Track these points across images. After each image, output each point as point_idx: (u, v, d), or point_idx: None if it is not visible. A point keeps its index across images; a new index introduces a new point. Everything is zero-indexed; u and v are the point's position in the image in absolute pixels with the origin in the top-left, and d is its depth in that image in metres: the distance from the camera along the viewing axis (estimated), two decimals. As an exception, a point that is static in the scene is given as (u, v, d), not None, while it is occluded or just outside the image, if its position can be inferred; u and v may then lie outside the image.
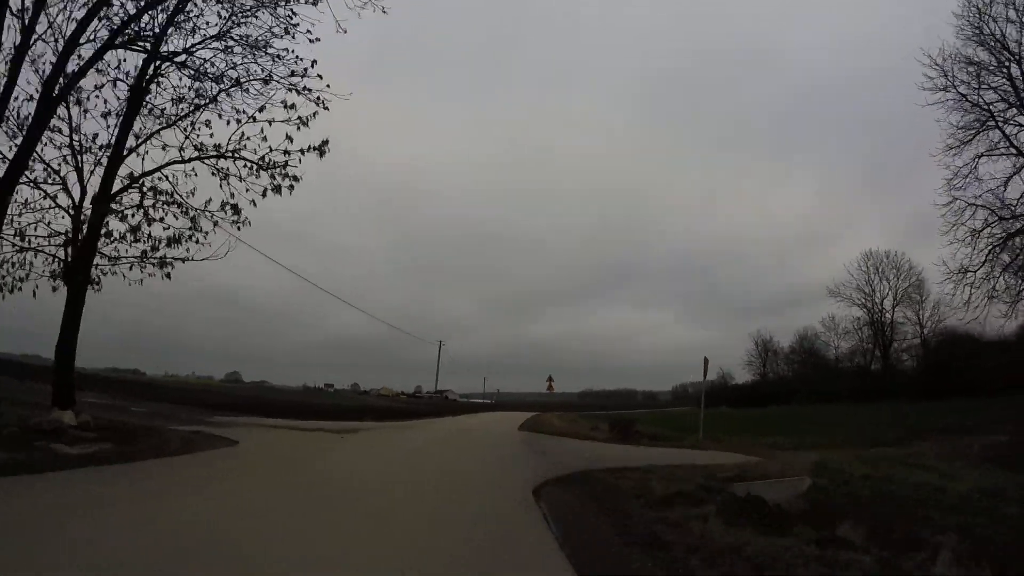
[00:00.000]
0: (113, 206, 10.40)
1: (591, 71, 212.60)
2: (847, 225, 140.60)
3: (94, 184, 10.30)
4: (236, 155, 10.79)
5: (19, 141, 9.24)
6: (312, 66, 10.59)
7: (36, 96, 9.34)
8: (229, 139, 10.76)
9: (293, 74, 10.66)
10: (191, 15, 10.49)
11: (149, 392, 23.55)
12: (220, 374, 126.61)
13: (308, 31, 10.43)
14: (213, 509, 5.04)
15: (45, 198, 10.18)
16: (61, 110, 9.98)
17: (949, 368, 35.49)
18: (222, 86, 10.73)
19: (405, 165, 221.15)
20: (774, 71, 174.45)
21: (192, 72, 10.74)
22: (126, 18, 9.95)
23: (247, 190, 10.83)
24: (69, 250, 10.11)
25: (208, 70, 10.72)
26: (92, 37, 9.81)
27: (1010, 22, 17.47)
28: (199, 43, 10.64)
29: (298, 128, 10.71)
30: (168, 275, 10.87)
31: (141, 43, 10.36)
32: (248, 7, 10.42)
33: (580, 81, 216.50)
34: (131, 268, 10.73)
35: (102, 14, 9.66)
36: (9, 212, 9.29)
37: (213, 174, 10.86)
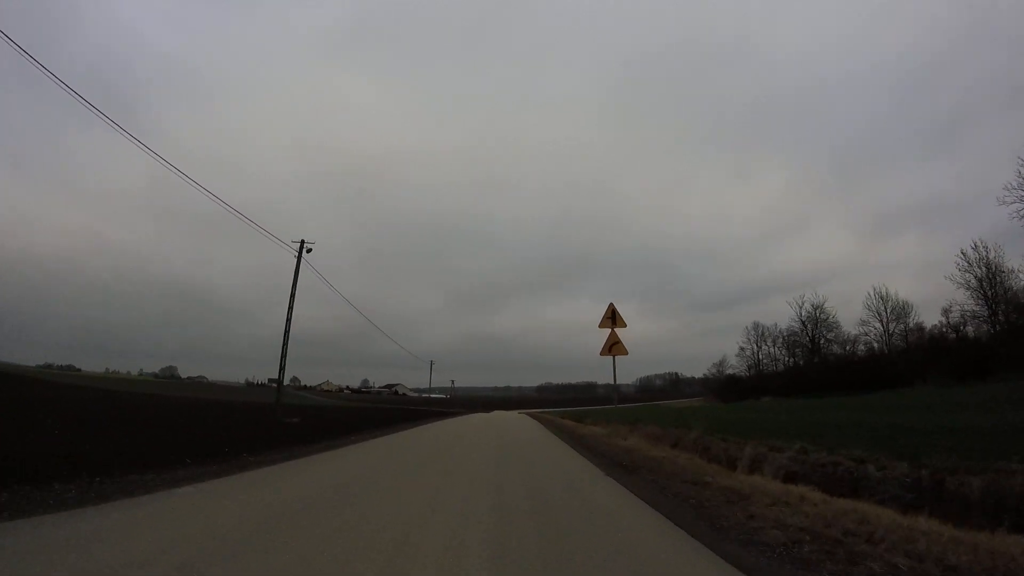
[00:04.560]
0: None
1: (565, 54, 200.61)
2: (809, 222, 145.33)
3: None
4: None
5: None
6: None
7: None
8: None
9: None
10: None
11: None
12: (155, 369, 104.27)
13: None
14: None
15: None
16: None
17: None
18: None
19: (374, 157, 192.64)
20: (751, 67, 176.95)
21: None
22: None
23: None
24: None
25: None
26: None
27: None
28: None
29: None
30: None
31: None
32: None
33: (553, 65, 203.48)
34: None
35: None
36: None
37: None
